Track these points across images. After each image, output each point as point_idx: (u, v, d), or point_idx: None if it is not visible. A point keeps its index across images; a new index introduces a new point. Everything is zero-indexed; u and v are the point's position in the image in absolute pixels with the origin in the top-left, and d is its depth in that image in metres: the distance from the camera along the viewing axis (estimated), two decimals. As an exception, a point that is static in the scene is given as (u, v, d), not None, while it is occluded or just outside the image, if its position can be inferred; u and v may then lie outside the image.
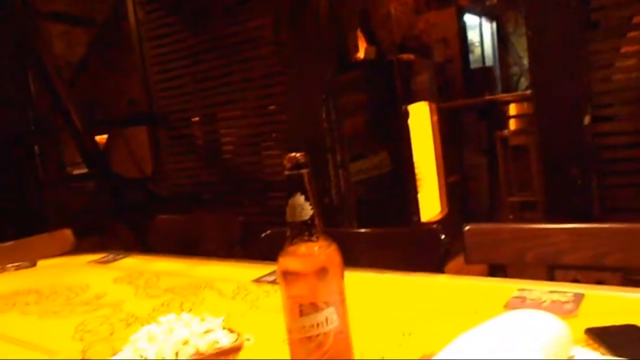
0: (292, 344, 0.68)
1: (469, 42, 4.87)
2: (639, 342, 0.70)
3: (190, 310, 1.06)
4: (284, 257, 0.67)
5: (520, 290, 0.93)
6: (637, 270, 1.10)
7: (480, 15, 5.08)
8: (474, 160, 4.65)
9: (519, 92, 5.08)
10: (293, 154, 0.66)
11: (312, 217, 0.66)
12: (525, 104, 4.58)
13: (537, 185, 3.90)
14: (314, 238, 0.66)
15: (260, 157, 2.86)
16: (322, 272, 0.65)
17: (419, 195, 3.82)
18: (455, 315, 0.88)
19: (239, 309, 1.03)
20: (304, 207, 0.65)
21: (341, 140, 2.51)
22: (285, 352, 0.70)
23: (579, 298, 0.87)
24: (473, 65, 4.83)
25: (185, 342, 0.72)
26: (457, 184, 4.50)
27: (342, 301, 0.67)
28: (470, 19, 4.95)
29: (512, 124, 4.62)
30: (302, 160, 0.66)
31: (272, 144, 2.78)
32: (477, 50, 5.03)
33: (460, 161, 4.68)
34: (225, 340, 0.74)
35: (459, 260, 1.23)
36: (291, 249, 0.67)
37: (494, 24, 5.22)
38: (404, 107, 3.73)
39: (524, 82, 5.30)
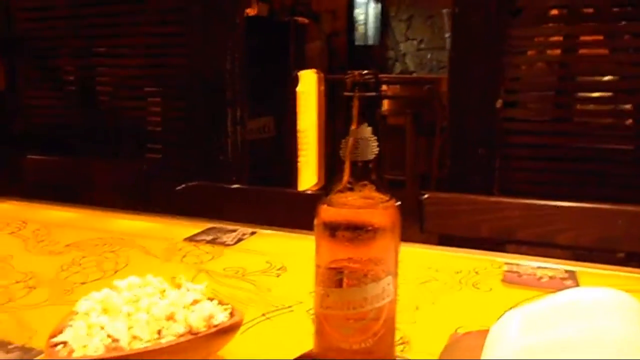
0: (328, 320, 0.52)
1: (354, 18, 4.87)
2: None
3: (116, 272, 0.83)
4: (335, 207, 0.50)
5: (508, 264, 0.87)
6: (586, 249, 1.12)
7: (368, -7, 5.11)
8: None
9: (405, 75, 5.24)
10: (359, 71, 0.50)
11: (377, 157, 0.50)
12: (397, 87, 4.74)
13: (409, 165, 4.06)
14: (375, 186, 0.51)
15: (143, 102, 2.50)
16: (388, 231, 0.50)
17: (299, 165, 3.75)
18: (456, 288, 0.78)
19: (183, 273, 0.82)
20: (369, 142, 0.49)
21: (242, 95, 2.29)
22: (304, 328, 0.53)
23: (572, 275, 0.83)
24: (357, 42, 4.85)
25: (170, 317, 0.52)
26: (330, 157, 4.52)
27: (397, 269, 0.53)
28: (358, -5, 4.95)
29: (386, 104, 4.76)
30: (372, 80, 0.50)
31: (159, 89, 2.45)
32: (362, 28, 5.05)
33: (334, 135, 4.69)
34: (222, 315, 0.55)
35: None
36: (345, 196, 0.50)
37: (379, 5, 5.29)
38: (295, 72, 3.60)
39: (398, 66, 5.47)
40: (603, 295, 0.56)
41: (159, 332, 0.51)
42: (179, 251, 0.92)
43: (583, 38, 1.95)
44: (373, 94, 0.49)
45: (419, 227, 1.11)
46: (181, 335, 0.51)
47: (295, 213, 0.95)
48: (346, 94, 0.49)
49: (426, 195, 1.11)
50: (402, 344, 0.61)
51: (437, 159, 3.89)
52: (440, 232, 1.12)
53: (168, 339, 0.50)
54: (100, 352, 0.48)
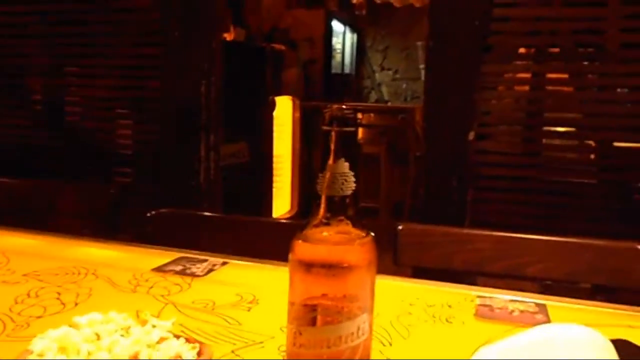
0: (301, 358, 0.50)
1: (332, 47, 4.94)
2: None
3: (77, 305, 0.79)
4: (311, 243, 0.50)
5: (480, 297, 0.87)
6: (554, 281, 1.13)
7: (345, 23, 5.19)
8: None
9: (382, 104, 5.31)
10: (338, 105, 0.50)
11: (355, 193, 0.50)
12: (372, 115, 4.80)
13: (383, 193, 4.09)
14: (351, 221, 0.50)
15: (112, 125, 2.46)
16: (364, 267, 0.50)
17: (273, 191, 3.73)
18: (429, 322, 0.77)
19: (149, 306, 0.79)
20: (347, 177, 0.49)
21: (217, 120, 2.28)
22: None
23: (543, 309, 0.84)
24: (334, 70, 4.91)
25: (134, 357, 0.50)
26: (304, 184, 4.52)
27: (373, 305, 0.52)
28: (336, 25, 5.03)
29: (361, 133, 4.80)
30: (351, 115, 0.50)
31: (131, 112, 2.42)
32: (338, 57, 5.12)
33: (309, 163, 4.70)
34: (189, 354, 0.53)
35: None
36: (321, 231, 0.50)
37: (355, 35, 5.38)
38: (271, 98, 3.61)
39: (373, 95, 5.55)
40: (576, 334, 0.56)
41: (122, 372, 0.49)
42: (145, 282, 0.90)
43: (550, 76, 2.02)
44: (351, 129, 0.49)
45: (392, 258, 1.11)
46: (146, 375, 0.49)
47: (269, 242, 0.94)
48: (324, 128, 0.49)
49: (401, 227, 1.11)
50: (375, 382, 0.60)
51: (410, 188, 3.92)
52: (414, 264, 1.12)
53: (132, 378, 0.48)
54: (58, 393, 0.45)
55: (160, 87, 2.29)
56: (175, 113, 2.25)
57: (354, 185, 0.49)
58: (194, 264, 0.98)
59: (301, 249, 0.50)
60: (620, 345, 0.70)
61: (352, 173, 0.49)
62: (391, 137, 4.12)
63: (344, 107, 0.49)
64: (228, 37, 3.62)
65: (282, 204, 3.77)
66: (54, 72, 2.54)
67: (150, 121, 2.39)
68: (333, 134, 0.49)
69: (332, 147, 0.49)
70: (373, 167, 4.08)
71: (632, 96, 1.97)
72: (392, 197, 4.03)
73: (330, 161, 0.49)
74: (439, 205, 2.02)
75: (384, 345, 0.69)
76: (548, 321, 0.79)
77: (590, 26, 1.94)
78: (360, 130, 4.70)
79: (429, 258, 1.12)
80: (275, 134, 3.50)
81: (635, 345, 0.71)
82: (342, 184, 0.49)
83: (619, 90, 2.00)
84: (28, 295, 0.82)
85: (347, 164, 0.49)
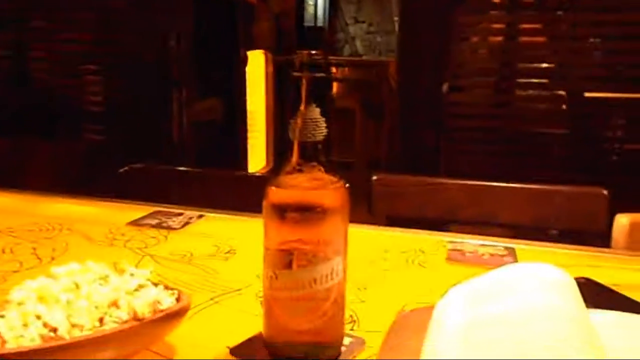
0: (277, 302, 0.52)
1: (304, -2, 4.82)
2: (602, 294, 0.71)
3: (53, 259, 0.79)
4: (284, 189, 0.50)
5: (452, 243, 0.90)
6: (524, 227, 1.17)
7: (317, -27, 5.05)
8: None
9: (356, 58, 5.25)
10: (308, 51, 0.49)
11: (327, 138, 0.50)
12: (346, 69, 4.76)
13: (358, 147, 4.10)
14: (323, 167, 0.50)
15: (81, 81, 2.39)
16: (337, 211, 0.50)
17: (248, 147, 3.71)
18: (403, 267, 0.80)
19: (127, 258, 0.80)
20: (319, 123, 0.49)
21: (189, 75, 2.23)
22: (253, 311, 0.53)
23: (512, 252, 0.87)
24: (306, 23, 4.81)
25: (113, 304, 0.51)
26: (279, 139, 4.49)
27: (347, 249, 0.53)
28: (307, -25, 4.90)
29: (335, 87, 4.77)
30: (321, 60, 0.49)
31: (100, 67, 2.35)
32: (311, 9, 5.01)
33: (283, 117, 4.67)
34: (168, 300, 0.54)
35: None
36: (294, 177, 0.50)
37: (328, -14, 5.25)
38: (243, 52, 3.53)
39: (347, 49, 5.48)
40: (540, 271, 0.59)
41: (101, 319, 0.49)
42: (122, 236, 0.90)
43: (523, 26, 2.02)
44: (322, 74, 0.49)
45: (367, 208, 1.12)
46: (125, 322, 0.50)
47: (244, 195, 0.94)
48: (294, 74, 0.49)
49: (375, 177, 1.13)
50: (351, 322, 0.62)
51: (386, 141, 3.94)
52: (389, 213, 1.14)
53: (111, 326, 0.49)
54: (37, 342, 0.46)
55: (129, 41, 2.22)
56: (145, 68, 2.19)
57: (326, 130, 0.49)
58: (169, 218, 0.98)
59: (274, 195, 0.50)
60: (583, 282, 0.74)
61: (324, 118, 0.49)
62: (366, 91, 4.10)
63: (313, 52, 0.49)
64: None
65: (257, 160, 3.76)
66: (18, 25, 2.43)
67: (121, 77, 2.33)
68: (303, 79, 0.49)
69: (303, 93, 0.49)
70: (348, 121, 4.07)
71: (604, 45, 1.99)
72: (368, 151, 4.05)
73: (302, 107, 0.49)
74: (413, 157, 2.04)
75: (359, 289, 0.71)
76: (516, 262, 0.82)
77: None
78: (335, 85, 4.66)
79: (403, 207, 1.14)
80: (248, 90, 3.44)
81: (597, 283, 0.75)
82: (314, 129, 0.49)
83: (591, 40, 2.01)
84: (3, 251, 0.81)
85: (318, 110, 0.49)
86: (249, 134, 3.58)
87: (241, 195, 0.95)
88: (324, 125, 0.49)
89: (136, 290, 0.53)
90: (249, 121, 3.55)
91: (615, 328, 0.54)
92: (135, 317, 0.50)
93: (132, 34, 2.22)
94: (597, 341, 0.46)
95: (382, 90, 4.03)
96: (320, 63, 0.49)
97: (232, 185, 1.20)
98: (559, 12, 2.00)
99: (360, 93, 4.17)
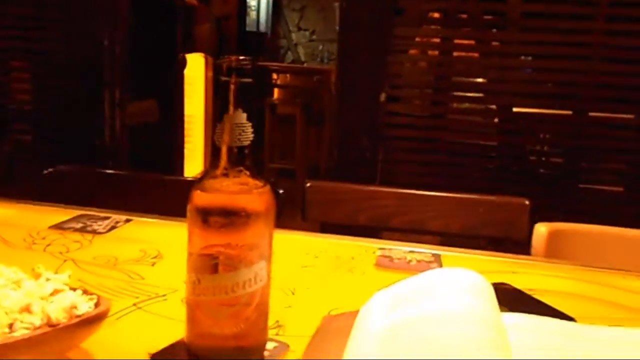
0: (200, 307, 0.51)
1: (246, 3, 4.81)
2: (519, 299, 0.75)
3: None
4: (209, 192, 0.50)
5: (381, 249, 0.92)
6: (453, 235, 1.21)
7: (260, -21, 5.06)
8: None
9: (298, 65, 5.27)
10: (235, 56, 0.49)
11: (251, 143, 0.50)
12: (288, 76, 4.77)
13: (298, 154, 4.12)
14: (249, 171, 0.51)
15: (8, 78, 2.27)
16: (261, 216, 0.51)
17: (185, 151, 3.64)
18: (332, 273, 0.81)
19: (46, 263, 0.76)
20: (244, 128, 0.49)
21: (122, 76, 2.17)
22: (177, 316, 0.52)
23: (437, 258, 0.90)
24: (248, 28, 4.79)
25: (25, 309, 0.48)
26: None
27: (271, 254, 0.53)
28: (250, -19, 4.89)
29: (276, 93, 4.77)
30: (248, 65, 0.49)
31: (29, 64, 2.24)
32: (254, 14, 5.00)
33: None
34: (85, 305, 0.52)
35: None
36: (220, 182, 0.50)
37: (271, -8, 5.26)
38: (182, 55, 3.47)
39: (290, 55, 5.50)
40: (458, 276, 0.61)
41: (11, 325, 0.47)
42: (42, 240, 0.86)
43: (458, 41, 2.10)
44: (249, 80, 0.49)
45: (301, 214, 1.13)
46: (37, 328, 0.47)
47: (174, 199, 0.92)
48: (221, 78, 0.49)
49: (309, 184, 1.13)
50: (276, 327, 0.62)
51: (326, 149, 3.98)
52: (322, 220, 1.15)
53: (22, 332, 0.47)
54: (-61, 349, 0.43)
55: (62, 39, 2.13)
56: (77, 68, 2.11)
57: (252, 135, 0.50)
58: (95, 222, 0.95)
59: (198, 198, 0.50)
60: (501, 287, 0.78)
61: (250, 124, 0.49)
62: (307, 98, 4.13)
63: (241, 57, 0.49)
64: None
65: (194, 164, 3.70)
66: None
67: (51, 75, 2.23)
68: (230, 84, 0.49)
69: (230, 97, 0.49)
70: (289, 128, 4.08)
71: (533, 63, 2.11)
72: (308, 158, 4.08)
73: (229, 112, 0.49)
74: (351, 165, 2.07)
75: (286, 294, 0.71)
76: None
77: (494, -6, 2.03)
78: (276, 91, 4.67)
79: (336, 214, 1.16)
80: (186, 93, 3.39)
81: (514, 288, 0.79)
82: (240, 134, 0.49)
83: (522, 57, 2.12)
84: None
85: (244, 115, 0.49)
86: (187, 138, 3.51)
87: (171, 199, 0.93)
88: (251, 130, 0.49)
89: (51, 295, 0.51)
90: (187, 125, 3.49)
91: (524, 330, 0.58)
92: (49, 323, 0.48)
93: (65, 32, 2.14)
94: (506, 342, 0.49)
95: (324, 97, 4.07)
96: (247, 68, 0.49)
97: (163, 189, 1.17)
98: (493, 30, 2.10)
99: (302, 100, 4.19)
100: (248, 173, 0.50)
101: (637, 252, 1.17)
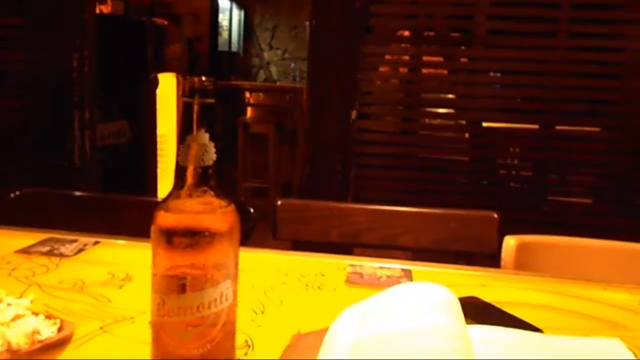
0: (165, 328, 0.50)
1: (218, 23, 4.83)
2: (487, 312, 0.76)
3: None
4: (172, 213, 0.50)
5: (351, 266, 0.92)
6: (423, 250, 1.22)
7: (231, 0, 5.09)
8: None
9: (270, 83, 5.28)
10: (198, 77, 0.50)
11: (215, 164, 0.50)
12: (261, 94, 4.79)
13: (272, 172, 4.11)
14: (213, 191, 0.51)
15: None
16: (226, 235, 0.50)
17: (158, 172, 3.60)
18: (302, 291, 0.81)
19: (10, 288, 0.74)
20: (207, 148, 0.50)
21: (92, 97, 2.15)
22: (145, 339, 0.51)
23: (408, 273, 0.90)
24: (220, 48, 4.81)
25: (-17, 335, 0.47)
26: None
27: (237, 273, 0.53)
28: (222, 1, 4.91)
29: (249, 112, 4.77)
30: (210, 86, 0.50)
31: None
32: (225, 34, 5.02)
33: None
34: (48, 330, 0.51)
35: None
36: (184, 202, 0.50)
37: (243, 12, 5.30)
38: (153, 74, 3.46)
39: (262, 74, 5.53)
40: (424, 290, 0.62)
41: (-31, 353, 0.46)
42: (7, 264, 0.84)
43: (427, 58, 2.14)
44: (211, 100, 0.49)
45: (272, 233, 1.13)
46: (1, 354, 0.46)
47: (143, 221, 0.91)
48: (184, 99, 0.49)
49: (280, 202, 1.14)
50: (245, 347, 0.62)
51: (299, 167, 3.98)
52: (293, 238, 1.15)
53: (-19, 360, 0.46)
54: None
55: (25, 59, 2.10)
56: (43, 89, 2.08)
57: (215, 155, 0.50)
58: (62, 245, 0.93)
59: (162, 219, 0.50)
60: (470, 301, 0.79)
61: (213, 144, 0.50)
62: (280, 116, 4.13)
63: (203, 78, 0.49)
64: (105, 9, 3.41)
65: (167, 185, 3.65)
66: None
67: (14, 97, 2.19)
68: (193, 105, 0.49)
69: (194, 118, 0.49)
70: (261, 146, 4.08)
71: (501, 79, 2.16)
72: (281, 176, 4.07)
73: (192, 132, 0.49)
74: (323, 183, 2.08)
75: (256, 313, 0.71)
76: (409, 283, 0.86)
77: (461, 12, 2.08)
78: (249, 110, 4.67)
79: (307, 232, 1.16)
80: (158, 113, 3.36)
81: (482, 301, 0.80)
82: (203, 154, 0.49)
83: (491, 74, 2.17)
84: None
85: (207, 135, 0.49)
86: (159, 158, 3.46)
87: (140, 220, 0.92)
88: (213, 150, 0.50)
89: (13, 320, 0.50)
90: (159, 145, 3.44)
91: (490, 342, 0.58)
92: (9, 349, 0.47)
93: (33, 52, 2.11)
94: (470, 354, 0.50)
95: (296, 115, 4.09)
96: (209, 89, 0.49)
97: (132, 210, 1.16)
98: (461, 47, 2.14)
99: (275, 118, 4.20)
100: (212, 193, 0.50)
101: (604, 262, 1.20)
